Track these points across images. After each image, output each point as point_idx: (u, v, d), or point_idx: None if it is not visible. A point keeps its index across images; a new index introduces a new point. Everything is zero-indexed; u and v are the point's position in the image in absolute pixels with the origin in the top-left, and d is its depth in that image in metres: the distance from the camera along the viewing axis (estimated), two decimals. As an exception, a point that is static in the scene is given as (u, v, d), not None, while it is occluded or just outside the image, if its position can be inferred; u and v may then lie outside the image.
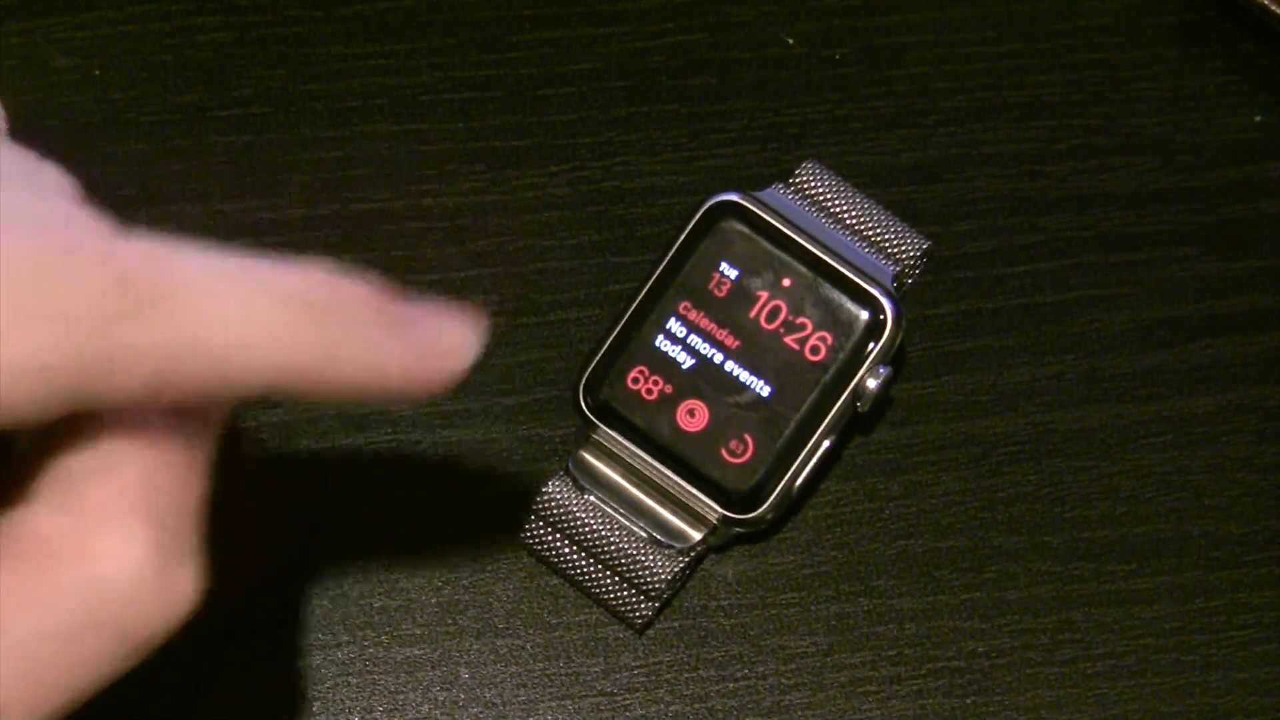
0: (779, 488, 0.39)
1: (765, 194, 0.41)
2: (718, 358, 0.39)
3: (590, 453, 0.40)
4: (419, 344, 0.31)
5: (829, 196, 0.41)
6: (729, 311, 0.39)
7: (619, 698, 0.40)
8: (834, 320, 0.39)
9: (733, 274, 0.40)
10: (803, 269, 0.39)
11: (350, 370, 0.30)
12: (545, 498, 0.40)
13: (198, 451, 0.31)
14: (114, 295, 0.28)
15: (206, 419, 0.31)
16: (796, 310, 0.39)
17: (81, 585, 0.30)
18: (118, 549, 0.29)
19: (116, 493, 0.30)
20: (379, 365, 0.30)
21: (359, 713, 0.40)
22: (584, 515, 0.40)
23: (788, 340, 0.39)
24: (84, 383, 0.28)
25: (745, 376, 0.39)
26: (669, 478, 0.39)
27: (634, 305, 0.40)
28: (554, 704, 0.40)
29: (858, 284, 0.39)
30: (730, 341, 0.39)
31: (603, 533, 0.40)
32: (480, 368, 0.42)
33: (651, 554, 0.40)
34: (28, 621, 0.29)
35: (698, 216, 0.40)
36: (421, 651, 0.40)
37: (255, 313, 0.29)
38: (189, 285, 0.29)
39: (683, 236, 0.40)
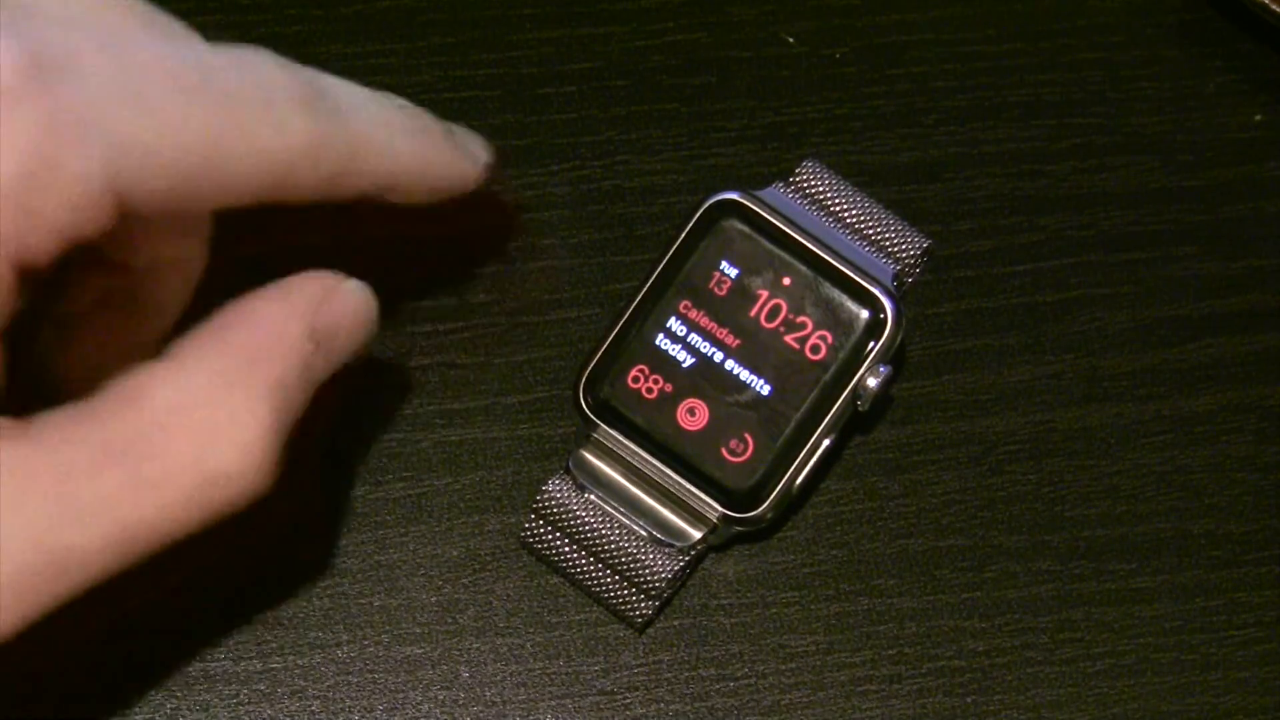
0: (779, 486, 0.39)
1: (765, 193, 0.41)
2: (718, 356, 0.39)
3: (590, 451, 0.40)
4: (459, 147, 0.38)
5: (829, 195, 0.41)
6: (729, 310, 0.39)
7: (619, 697, 0.40)
8: (834, 319, 0.39)
9: (733, 273, 0.40)
10: (803, 268, 0.39)
11: (431, 165, 0.37)
12: (545, 496, 0.40)
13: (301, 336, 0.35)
14: (301, 88, 0.34)
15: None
16: (797, 309, 0.39)
17: (192, 468, 0.32)
18: (233, 432, 0.32)
19: (241, 360, 0.33)
20: (445, 162, 0.38)
21: (359, 712, 0.40)
22: (584, 514, 0.40)
23: (788, 339, 0.39)
24: (299, 166, 0.34)
25: (745, 375, 0.39)
26: (669, 476, 0.39)
27: (634, 304, 0.40)
28: (554, 703, 0.40)
29: (858, 283, 0.39)
30: (730, 340, 0.39)
31: (603, 531, 0.40)
32: (480, 367, 0.42)
33: (652, 553, 0.40)
34: (143, 501, 0.32)
35: (698, 215, 0.40)
36: (421, 650, 0.40)
37: (389, 114, 0.36)
38: (342, 90, 0.35)
39: (683, 235, 0.40)
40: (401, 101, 0.37)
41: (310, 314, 0.34)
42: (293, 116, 0.33)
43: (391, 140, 0.36)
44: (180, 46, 0.33)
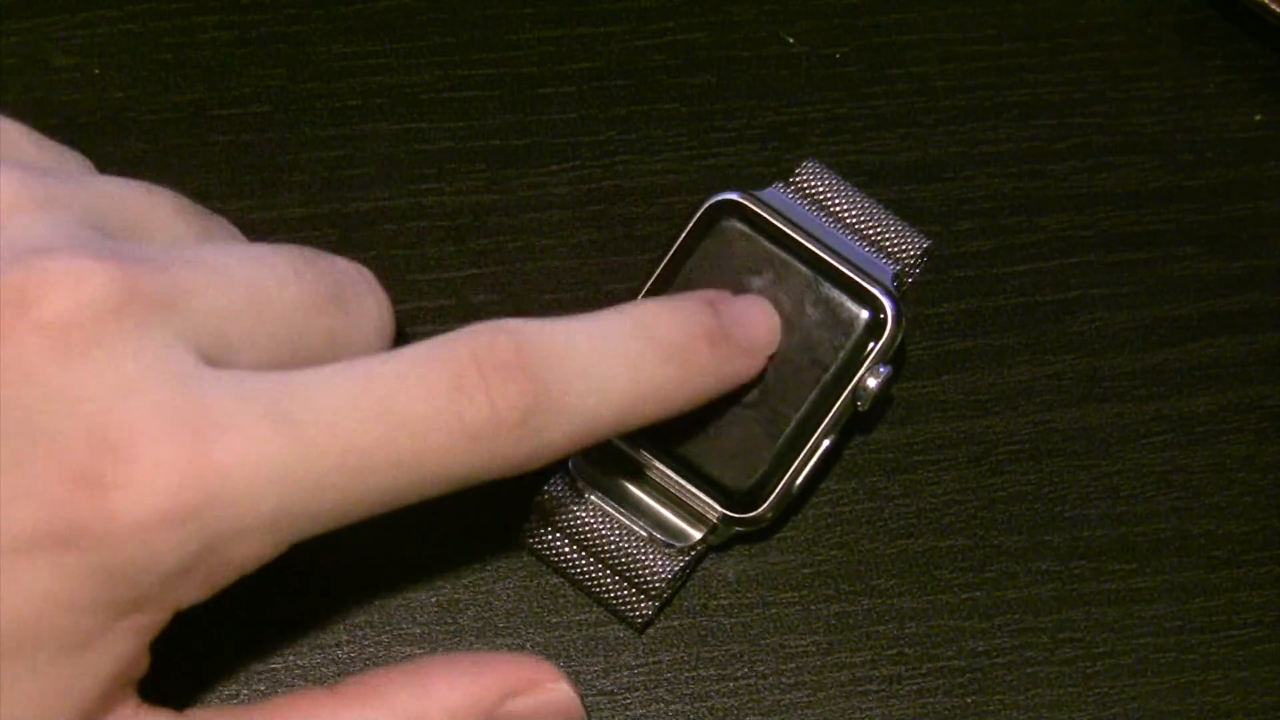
0: (779, 487, 0.39)
1: (765, 193, 0.41)
2: (718, 356, 0.39)
3: (590, 452, 0.40)
4: (739, 347, 0.37)
5: (829, 195, 0.41)
6: (729, 310, 0.39)
7: (619, 697, 0.40)
8: (834, 319, 0.39)
9: (733, 273, 0.39)
10: (803, 268, 0.39)
11: (695, 394, 0.36)
12: (545, 496, 0.40)
13: None
14: (520, 403, 0.32)
15: None
16: (797, 309, 0.39)
17: None
18: None
19: None
20: (716, 382, 0.36)
21: (359, 712, 0.40)
22: (584, 514, 0.40)
23: (788, 339, 0.39)
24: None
25: (745, 375, 0.39)
26: (669, 477, 0.39)
27: (634, 304, 0.40)
28: (554, 703, 0.40)
29: (858, 283, 0.39)
30: (730, 340, 0.39)
31: (603, 532, 0.40)
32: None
33: (651, 553, 0.40)
34: None
35: (698, 215, 0.40)
36: (421, 651, 0.40)
37: (638, 370, 0.34)
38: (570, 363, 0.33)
39: (683, 235, 0.40)
40: (680, 317, 0.35)
41: (496, 700, 0.33)
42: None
43: (638, 395, 0.34)
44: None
